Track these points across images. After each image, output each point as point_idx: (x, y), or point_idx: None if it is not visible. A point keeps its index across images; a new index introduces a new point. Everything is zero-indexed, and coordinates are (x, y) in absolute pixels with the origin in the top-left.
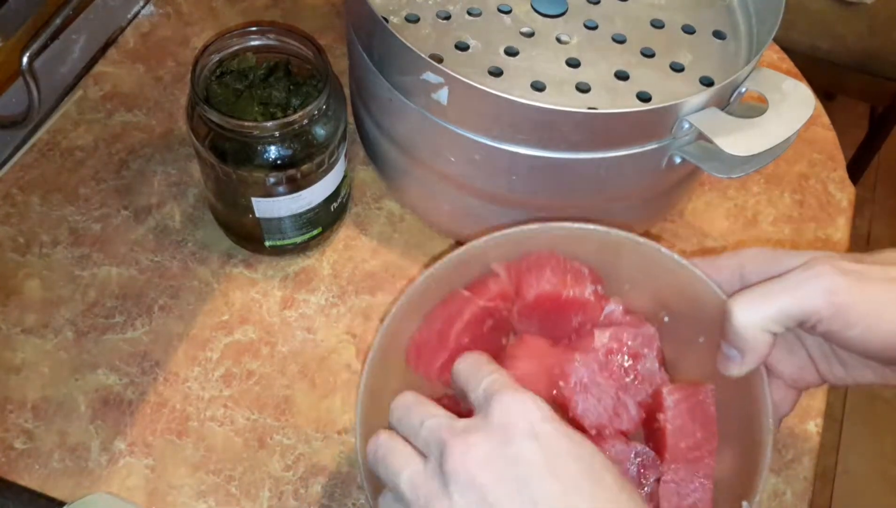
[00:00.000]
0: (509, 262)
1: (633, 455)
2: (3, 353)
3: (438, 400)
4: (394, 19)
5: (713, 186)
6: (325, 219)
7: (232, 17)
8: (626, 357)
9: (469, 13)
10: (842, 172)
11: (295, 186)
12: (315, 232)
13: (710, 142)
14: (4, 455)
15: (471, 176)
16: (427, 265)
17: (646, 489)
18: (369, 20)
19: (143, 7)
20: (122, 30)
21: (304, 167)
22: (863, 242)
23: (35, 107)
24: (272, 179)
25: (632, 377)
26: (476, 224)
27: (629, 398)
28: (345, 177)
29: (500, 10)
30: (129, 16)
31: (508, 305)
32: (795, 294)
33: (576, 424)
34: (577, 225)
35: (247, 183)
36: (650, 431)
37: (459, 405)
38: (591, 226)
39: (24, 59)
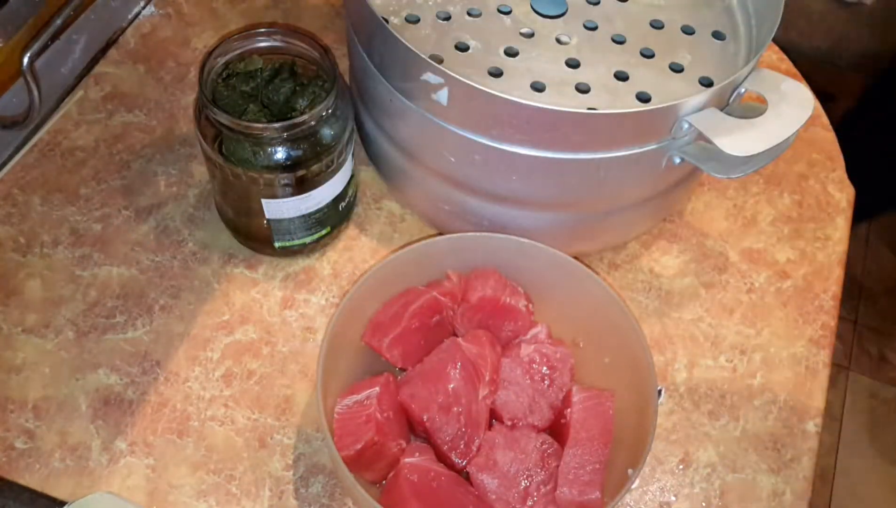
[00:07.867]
0: (460, 273)
1: (539, 443)
2: (4, 353)
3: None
4: (394, 20)
5: (712, 186)
6: (334, 219)
7: (233, 18)
8: (545, 369)
9: (469, 14)
10: (841, 173)
11: (304, 186)
12: (324, 232)
13: (710, 142)
14: (5, 454)
15: (471, 176)
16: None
17: (548, 471)
18: (369, 21)
19: (143, 7)
20: (123, 30)
21: (313, 167)
22: (861, 242)
23: (36, 107)
24: (281, 181)
25: (547, 384)
26: (476, 224)
27: (543, 401)
28: (352, 176)
29: (499, 11)
30: (130, 16)
31: (454, 306)
32: None
33: (496, 414)
34: (522, 239)
35: (256, 184)
36: (557, 427)
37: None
38: (531, 242)
39: (25, 60)
